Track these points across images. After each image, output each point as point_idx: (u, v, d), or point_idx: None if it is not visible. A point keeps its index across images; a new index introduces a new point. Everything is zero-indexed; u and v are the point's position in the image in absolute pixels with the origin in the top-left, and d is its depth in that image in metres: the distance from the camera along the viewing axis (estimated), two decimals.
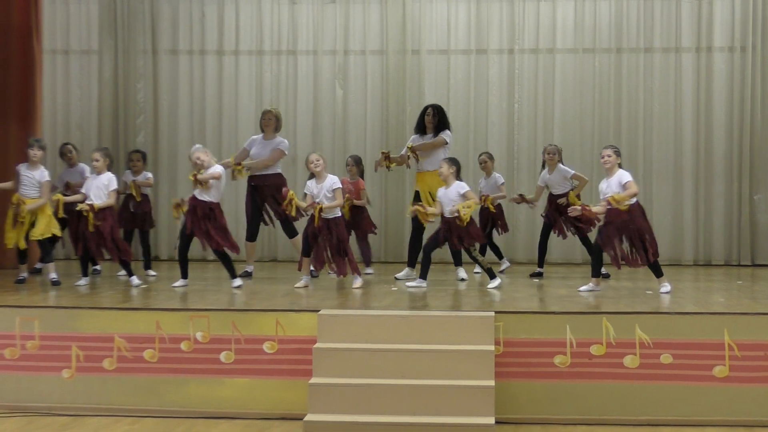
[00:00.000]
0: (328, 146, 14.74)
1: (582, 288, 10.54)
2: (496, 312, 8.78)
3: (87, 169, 12.33)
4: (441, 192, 10.83)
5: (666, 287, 10.36)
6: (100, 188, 11.13)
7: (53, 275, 11.33)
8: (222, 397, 8.87)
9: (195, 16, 15.10)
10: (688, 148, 14.47)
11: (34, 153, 11.46)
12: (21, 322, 9.13)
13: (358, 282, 10.94)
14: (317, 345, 8.62)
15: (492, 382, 8.24)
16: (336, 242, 10.75)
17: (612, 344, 8.62)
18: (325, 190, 10.75)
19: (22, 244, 11.46)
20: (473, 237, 10.74)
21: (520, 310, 9.10)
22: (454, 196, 10.67)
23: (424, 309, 9.40)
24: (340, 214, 10.93)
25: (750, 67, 14.40)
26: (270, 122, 12.18)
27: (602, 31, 14.64)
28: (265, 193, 12.00)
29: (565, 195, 12.15)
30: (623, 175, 10.31)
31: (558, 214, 12.19)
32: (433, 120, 12.02)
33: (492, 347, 8.51)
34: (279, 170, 12.11)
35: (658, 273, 10.41)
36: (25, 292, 10.66)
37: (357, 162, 12.73)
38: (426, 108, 12.21)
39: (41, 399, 9.06)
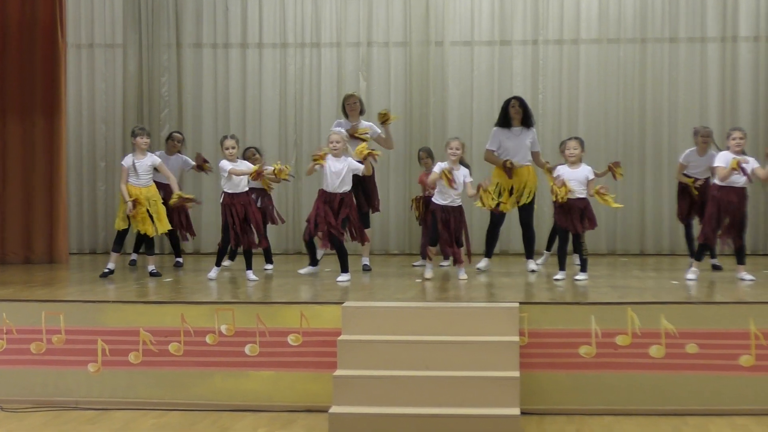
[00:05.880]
0: None
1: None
2: (520, 303, 8.78)
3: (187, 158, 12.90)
4: (568, 173, 10.60)
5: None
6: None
7: (153, 267, 11.53)
8: (247, 389, 8.91)
9: (219, 10, 15.06)
10: (714, 138, 14.31)
11: (144, 141, 11.49)
12: (47, 317, 9.19)
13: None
14: (342, 337, 8.63)
15: (517, 373, 8.23)
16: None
17: (637, 334, 8.60)
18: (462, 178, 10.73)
19: (152, 231, 11.50)
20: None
21: (544, 300, 9.11)
22: (582, 178, 10.59)
23: (449, 300, 9.40)
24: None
25: None
26: (356, 106, 12.13)
27: (626, 20, 14.49)
28: None
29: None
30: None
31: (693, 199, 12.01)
32: (519, 111, 11.80)
33: (517, 338, 8.51)
34: None
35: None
36: (51, 287, 10.72)
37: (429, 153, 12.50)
38: (510, 100, 11.94)
39: (68, 393, 9.12)
